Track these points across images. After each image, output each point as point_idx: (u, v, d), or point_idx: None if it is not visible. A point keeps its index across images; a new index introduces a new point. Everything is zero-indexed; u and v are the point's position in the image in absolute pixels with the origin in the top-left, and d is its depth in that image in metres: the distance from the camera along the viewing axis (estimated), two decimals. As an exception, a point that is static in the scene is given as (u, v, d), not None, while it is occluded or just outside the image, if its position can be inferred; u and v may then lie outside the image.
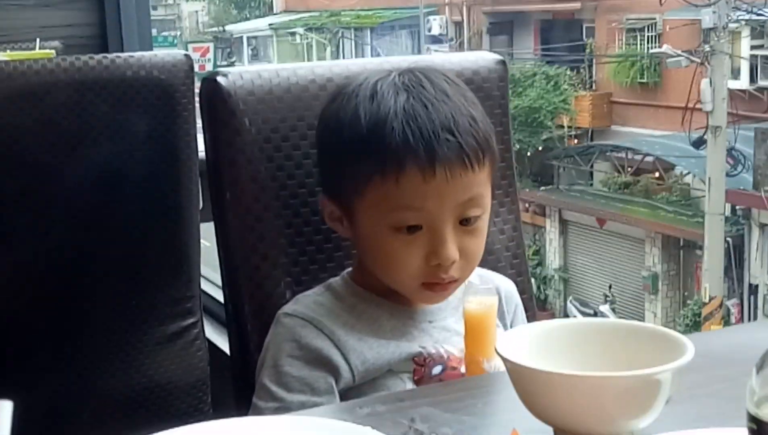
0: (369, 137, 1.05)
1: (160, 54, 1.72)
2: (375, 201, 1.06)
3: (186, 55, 1.75)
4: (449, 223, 1.06)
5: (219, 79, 1.20)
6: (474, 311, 1.04)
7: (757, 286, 11.13)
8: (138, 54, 1.72)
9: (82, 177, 1.70)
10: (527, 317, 1.28)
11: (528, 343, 0.79)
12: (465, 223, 1.07)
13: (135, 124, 1.70)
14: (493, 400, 0.91)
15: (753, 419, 0.62)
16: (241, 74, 1.22)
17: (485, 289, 1.08)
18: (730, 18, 10.65)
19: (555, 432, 0.77)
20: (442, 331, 1.13)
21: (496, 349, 0.76)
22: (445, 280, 1.07)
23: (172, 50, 1.77)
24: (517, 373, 0.75)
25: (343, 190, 1.10)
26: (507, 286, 1.25)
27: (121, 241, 1.74)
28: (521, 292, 1.29)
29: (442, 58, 1.38)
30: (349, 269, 1.18)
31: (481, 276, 1.23)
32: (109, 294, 1.78)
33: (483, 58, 1.36)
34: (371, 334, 1.10)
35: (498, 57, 1.37)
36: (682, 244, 12.42)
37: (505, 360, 0.75)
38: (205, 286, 2.09)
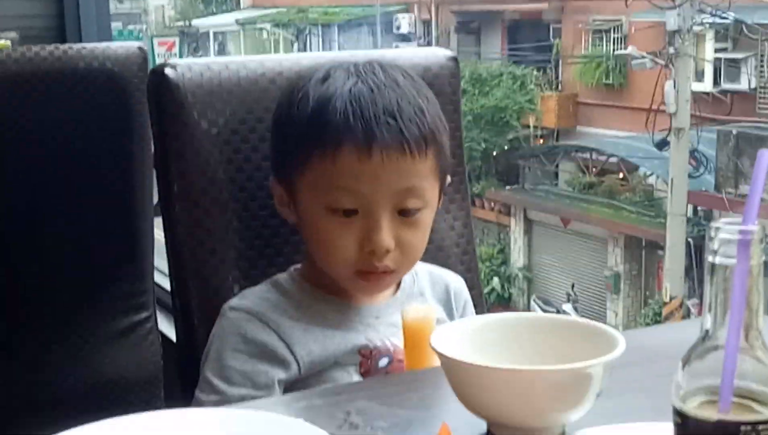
0: (313, 116, 1.06)
1: (114, 46, 1.70)
2: (314, 181, 1.07)
3: (140, 47, 1.73)
4: (386, 210, 1.06)
5: (167, 70, 1.19)
6: (412, 321, 1.02)
7: (716, 286, 11.24)
8: (91, 45, 1.71)
9: (33, 169, 1.68)
10: (477, 313, 1.29)
11: (462, 338, 0.80)
12: (404, 214, 1.07)
13: (88, 116, 1.69)
14: (430, 394, 0.91)
15: (678, 413, 0.63)
16: (189, 66, 1.21)
17: (422, 301, 1.09)
18: (694, 21, 10.75)
19: (488, 425, 0.78)
20: (389, 327, 1.13)
21: (430, 343, 0.76)
22: (378, 269, 1.07)
23: (126, 42, 1.75)
24: (451, 367, 0.76)
25: (289, 171, 1.10)
26: (456, 282, 1.25)
27: (73, 235, 1.73)
28: (471, 289, 1.29)
29: (393, 53, 1.38)
30: (297, 265, 1.18)
31: (430, 272, 1.23)
32: (61, 288, 1.76)
33: (434, 54, 1.36)
34: (317, 326, 1.10)
35: (450, 53, 1.37)
36: (644, 244, 12.54)
37: (438, 354, 0.76)
38: (160, 279, 2.07)
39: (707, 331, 0.62)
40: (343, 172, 1.04)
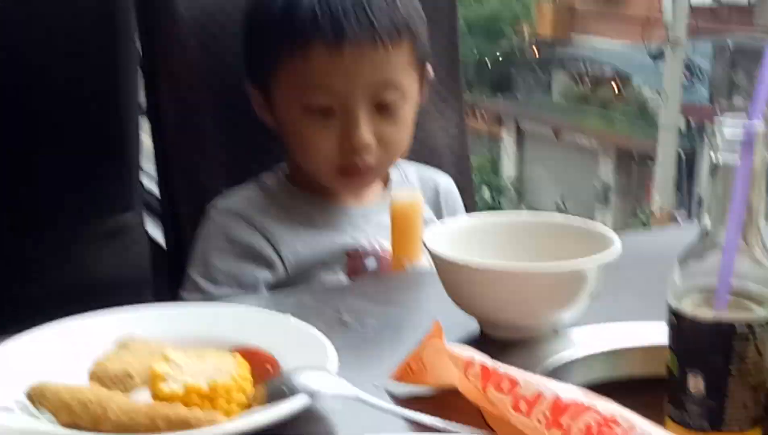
0: (282, 15, 1.04)
1: (99, -62, 1.64)
2: (287, 81, 1.05)
3: (126, -59, 1.67)
4: (362, 105, 1.04)
5: (154, -36, 1.15)
6: (400, 203, 1.01)
7: (706, 199, 11.29)
8: (74, -61, 1.65)
9: (13, 66, 1.64)
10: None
11: (455, 237, 0.78)
12: (383, 109, 1.05)
13: (69, 13, 1.64)
14: (421, 294, 0.90)
15: (672, 312, 0.62)
16: (177, -40, 1.17)
17: (410, 188, 1.08)
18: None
19: (480, 325, 0.77)
20: (377, 227, 1.11)
21: (423, 241, 0.75)
22: (360, 166, 1.06)
23: (112, -65, 1.68)
24: (443, 266, 0.75)
25: (262, 73, 1.08)
26: (445, 181, 1.24)
27: (57, 134, 1.70)
28: (462, 191, 1.28)
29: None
30: (284, 166, 1.16)
31: (419, 172, 1.22)
32: (46, 188, 1.74)
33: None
34: (303, 227, 1.09)
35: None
36: (636, 157, 12.52)
37: (430, 253, 0.74)
38: (149, 182, 2.05)
39: (706, 230, 0.60)
40: (314, 69, 1.02)
